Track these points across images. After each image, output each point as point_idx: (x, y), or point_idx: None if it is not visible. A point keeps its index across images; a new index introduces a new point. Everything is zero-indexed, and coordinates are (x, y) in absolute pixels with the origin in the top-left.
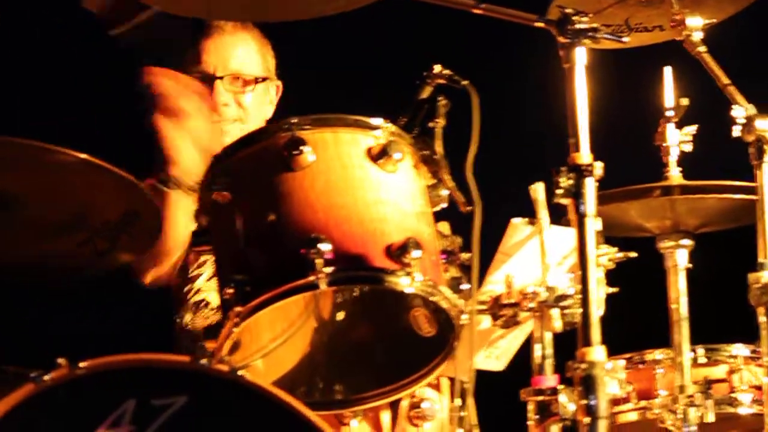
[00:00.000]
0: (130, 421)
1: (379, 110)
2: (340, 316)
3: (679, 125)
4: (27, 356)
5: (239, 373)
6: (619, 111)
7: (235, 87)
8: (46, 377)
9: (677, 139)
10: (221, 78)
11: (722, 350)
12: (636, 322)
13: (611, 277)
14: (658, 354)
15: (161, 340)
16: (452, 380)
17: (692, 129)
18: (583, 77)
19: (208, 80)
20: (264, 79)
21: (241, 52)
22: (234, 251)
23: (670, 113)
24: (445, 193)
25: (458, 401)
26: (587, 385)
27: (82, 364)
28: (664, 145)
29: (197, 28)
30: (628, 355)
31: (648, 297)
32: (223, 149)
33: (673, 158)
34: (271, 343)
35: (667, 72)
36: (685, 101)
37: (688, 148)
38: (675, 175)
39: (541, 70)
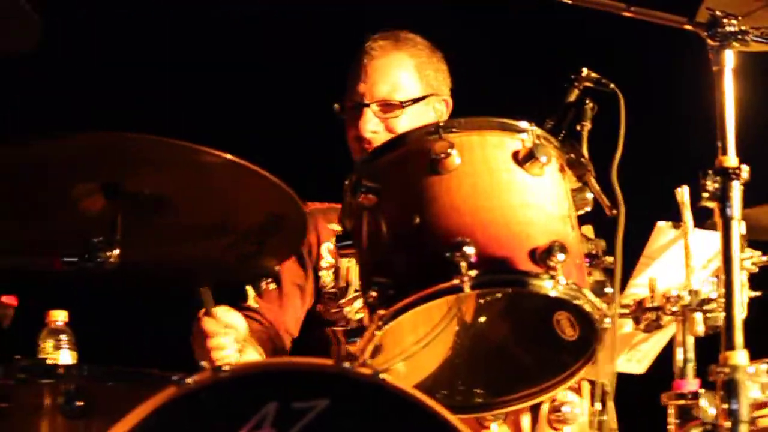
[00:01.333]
0: (272, 423)
1: (526, 113)
2: (482, 319)
3: None
4: (171, 361)
5: (382, 376)
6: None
7: (385, 114)
8: (189, 380)
9: None
10: (368, 105)
11: None
12: None
13: (754, 281)
14: None
15: None
16: (593, 383)
17: None
18: (731, 80)
19: (359, 109)
20: (417, 100)
21: (393, 76)
22: (378, 254)
23: None
24: (589, 196)
25: (598, 405)
26: (729, 389)
27: (225, 367)
28: None
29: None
30: None
31: None
32: (369, 152)
33: None
34: (413, 347)
35: None
36: None
37: None
38: None
39: (687, 73)
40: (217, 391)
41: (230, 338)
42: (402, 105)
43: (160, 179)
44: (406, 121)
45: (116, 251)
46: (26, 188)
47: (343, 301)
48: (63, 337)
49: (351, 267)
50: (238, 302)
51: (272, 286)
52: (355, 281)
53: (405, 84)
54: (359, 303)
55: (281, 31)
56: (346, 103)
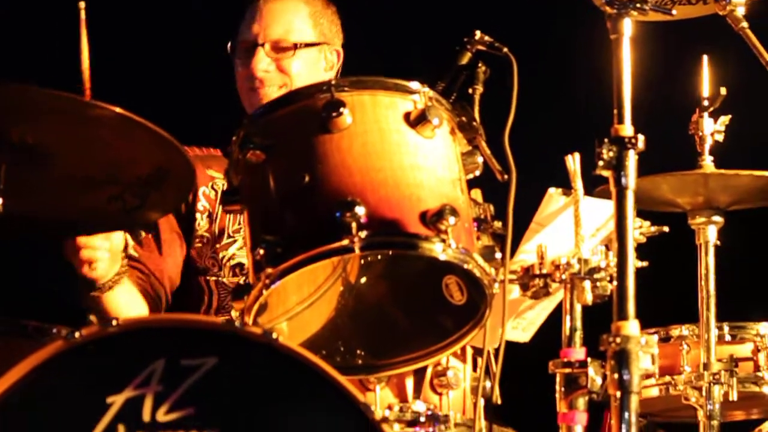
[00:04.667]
0: (160, 380)
1: (418, 75)
2: (366, 280)
3: (715, 114)
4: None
5: (273, 336)
6: (657, 91)
7: (278, 54)
8: (77, 334)
9: (712, 129)
10: (262, 45)
11: (749, 328)
12: (664, 297)
13: (641, 251)
14: (684, 330)
15: None
16: (476, 349)
17: (726, 119)
18: (629, 49)
19: (252, 48)
20: (310, 45)
21: (287, 19)
22: (266, 212)
23: (705, 102)
24: (479, 160)
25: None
26: (621, 359)
27: (114, 322)
28: (699, 134)
29: None
30: (653, 330)
31: (676, 272)
32: (258, 108)
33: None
34: (297, 306)
35: (705, 61)
36: (722, 91)
37: (721, 138)
38: (708, 164)
39: (580, 40)
40: (105, 346)
41: (103, 250)
42: (295, 47)
43: (45, 130)
44: (299, 65)
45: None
46: None
47: (217, 246)
48: None
49: (225, 213)
50: None
51: (148, 233)
52: (230, 227)
53: (299, 28)
54: (233, 249)
55: None
56: (239, 44)
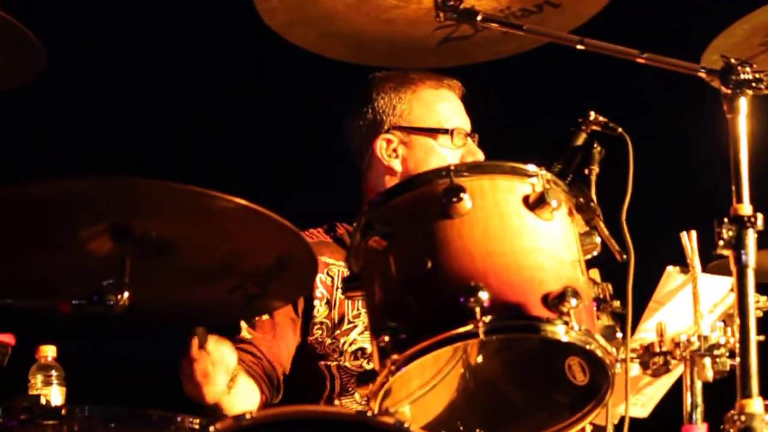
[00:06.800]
0: None
1: (534, 157)
2: (487, 362)
3: None
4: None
5: (405, 425)
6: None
7: None
8: (212, 428)
9: None
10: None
11: None
12: None
13: (758, 325)
14: None
15: None
16: (595, 427)
17: None
18: (745, 127)
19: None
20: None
21: None
22: (389, 298)
23: None
24: (597, 240)
25: None
26: None
27: (247, 415)
28: None
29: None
30: None
31: None
32: (379, 195)
33: None
34: (420, 390)
35: None
36: None
37: None
38: None
39: (695, 117)
40: None
41: (220, 372)
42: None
43: (167, 222)
44: None
45: (126, 294)
46: (33, 229)
47: (338, 332)
48: (53, 372)
49: (344, 299)
50: (229, 334)
51: (265, 317)
52: (349, 313)
53: None
54: (354, 334)
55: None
56: (454, 130)
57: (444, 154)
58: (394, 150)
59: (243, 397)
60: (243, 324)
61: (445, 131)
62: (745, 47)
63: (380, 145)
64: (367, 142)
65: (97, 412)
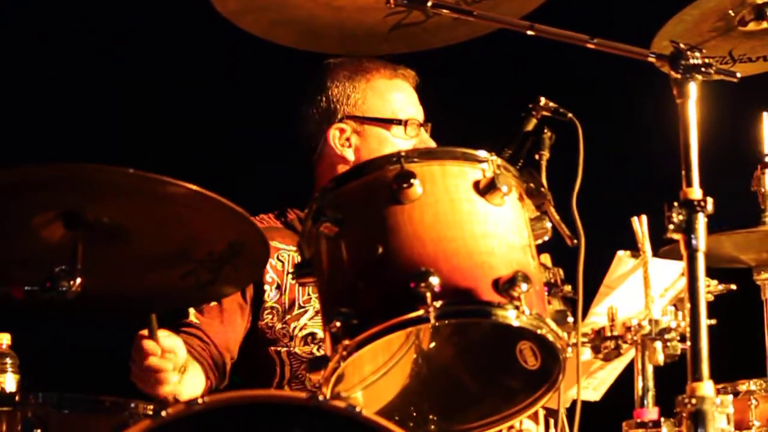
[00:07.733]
0: None
1: (485, 142)
2: (438, 347)
3: None
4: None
5: (357, 409)
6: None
7: None
8: (163, 413)
9: None
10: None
11: None
12: (731, 352)
13: (709, 309)
14: (752, 384)
15: None
16: (548, 410)
17: None
18: (695, 112)
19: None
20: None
21: None
22: (340, 284)
23: (767, 159)
24: (548, 225)
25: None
26: (697, 421)
27: (199, 400)
28: (762, 190)
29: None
30: (721, 386)
31: (743, 328)
32: (330, 181)
33: None
34: (372, 375)
35: (765, 118)
36: None
37: None
38: None
39: (644, 103)
40: (191, 424)
41: (169, 362)
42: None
43: (119, 208)
44: None
45: (78, 280)
46: None
47: (288, 317)
48: (7, 360)
49: (294, 284)
50: (176, 318)
51: (212, 302)
52: (300, 297)
53: None
54: (304, 319)
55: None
56: (407, 120)
57: (397, 144)
58: (347, 139)
59: (188, 383)
60: (191, 309)
61: (399, 122)
62: (694, 33)
63: (333, 134)
64: (321, 130)
65: (50, 398)
